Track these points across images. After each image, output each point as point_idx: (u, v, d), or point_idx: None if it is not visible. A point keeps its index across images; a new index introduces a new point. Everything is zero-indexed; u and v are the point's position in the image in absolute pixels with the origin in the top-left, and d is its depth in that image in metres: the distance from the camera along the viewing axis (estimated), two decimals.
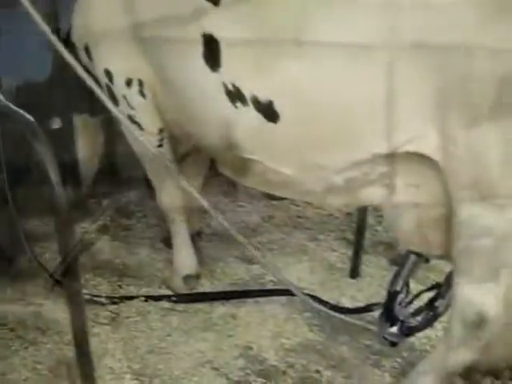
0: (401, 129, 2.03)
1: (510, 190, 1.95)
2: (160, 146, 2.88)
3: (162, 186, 3.10)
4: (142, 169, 3.21)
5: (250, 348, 2.93)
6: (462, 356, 2.33)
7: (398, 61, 1.91)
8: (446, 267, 2.68)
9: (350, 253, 3.66)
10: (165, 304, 3.19)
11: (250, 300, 3.26)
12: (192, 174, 3.35)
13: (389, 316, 2.67)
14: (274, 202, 4.40)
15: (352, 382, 2.75)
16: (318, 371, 2.81)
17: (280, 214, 4.27)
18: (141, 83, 2.69)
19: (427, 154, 2.05)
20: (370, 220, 3.90)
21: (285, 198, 4.36)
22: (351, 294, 3.40)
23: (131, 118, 2.75)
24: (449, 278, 2.58)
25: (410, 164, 2.15)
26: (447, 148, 1.98)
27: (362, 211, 3.47)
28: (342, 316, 2.88)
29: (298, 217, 4.25)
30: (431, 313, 2.63)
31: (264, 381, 2.73)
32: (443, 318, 2.74)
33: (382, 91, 1.98)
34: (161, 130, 2.86)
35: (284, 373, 2.79)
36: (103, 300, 3.16)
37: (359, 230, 3.52)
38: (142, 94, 2.72)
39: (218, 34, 2.18)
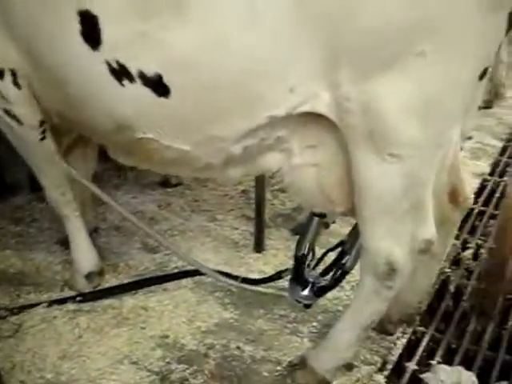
0: (294, 90, 2.02)
1: (404, 140, 2.00)
2: (43, 139, 2.70)
3: (51, 183, 2.93)
4: (26, 170, 3.03)
5: (167, 336, 2.87)
6: (376, 308, 2.40)
7: (285, 20, 1.89)
8: (346, 231, 2.76)
9: (251, 229, 3.69)
10: (70, 306, 3.03)
11: (158, 289, 3.18)
12: (80, 167, 3.18)
13: (299, 280, 2.72)
14: (169, 190, 4.35)
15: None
16: (238, 348, 2.81)
17: (176, 200, 4.21)
18: (14, 73, 2.50)
19: (322, 112, 2.06)
20: (267, 195, 3.93)
21: (179, 184, 4.34)
22: (258, 268, 3.42)
23: (8, 113, 2.56)
24: (351, 234, 2.65)
25: (306, 125, 2.17)
26: (341, 105, 2.00)
27: (260, 186, 3.48)
28: (254, 288, 2.88)
29: (195, 200, 4.22)
30: (339, 270, 2.68)
31: (186, 366, 2.69)
32: (352, 278, 2.82)
33: (272, 53, 1.96)
34: (42, 122, 2.67)
35: (205, 355, 2.76)
36: (2, 312, 2.96)
37: (258, 204, 3.54)
38: (16, 84, 2.52)
39: (95, 9, 2.06)
